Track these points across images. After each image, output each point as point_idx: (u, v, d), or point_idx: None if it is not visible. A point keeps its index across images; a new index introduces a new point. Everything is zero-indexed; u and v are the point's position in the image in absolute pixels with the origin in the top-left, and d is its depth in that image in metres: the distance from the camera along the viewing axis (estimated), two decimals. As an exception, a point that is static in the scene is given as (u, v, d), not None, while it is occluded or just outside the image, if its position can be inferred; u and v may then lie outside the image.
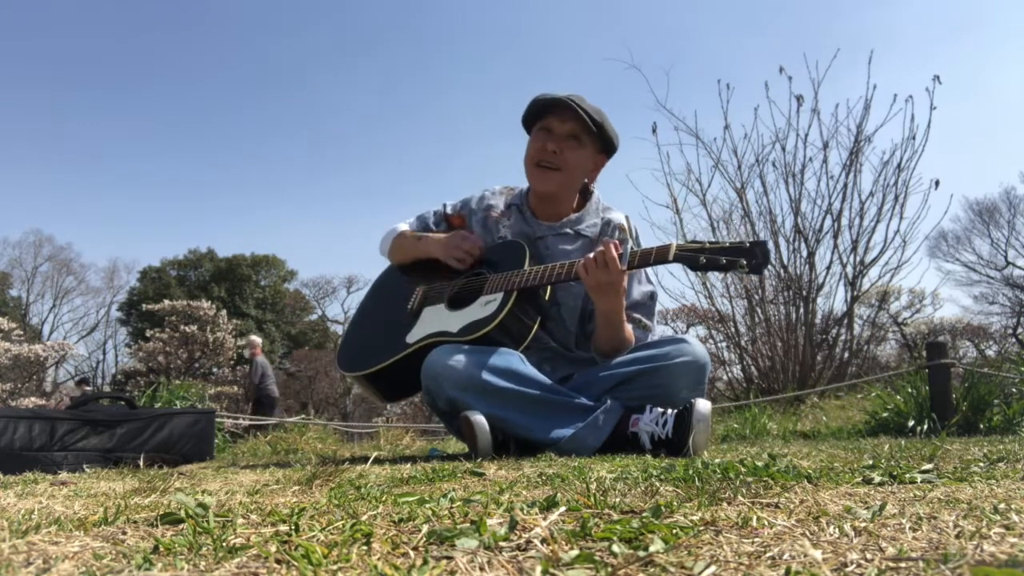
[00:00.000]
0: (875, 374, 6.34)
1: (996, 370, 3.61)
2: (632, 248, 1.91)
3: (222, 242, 48.72)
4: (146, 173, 45.25)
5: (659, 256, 1.84)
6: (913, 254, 10.94)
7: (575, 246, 2.17)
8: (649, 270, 2.23)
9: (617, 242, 1.90)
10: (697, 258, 1.77)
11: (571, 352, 2.18)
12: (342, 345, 2.39)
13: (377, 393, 2.24)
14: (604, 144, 2.19)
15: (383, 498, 0.91)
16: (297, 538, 0.63)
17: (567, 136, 2.11)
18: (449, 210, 2.36)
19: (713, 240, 1.83)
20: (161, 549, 0.61)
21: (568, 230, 2.20)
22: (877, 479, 1.00)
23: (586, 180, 2.26)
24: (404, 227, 2.38)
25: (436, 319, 2.09)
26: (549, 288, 2.07)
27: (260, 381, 9.75)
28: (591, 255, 1.89)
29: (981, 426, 3.15)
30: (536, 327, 2.01)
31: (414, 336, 2.09)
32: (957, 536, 0.61)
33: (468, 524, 0.67)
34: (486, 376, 1.86)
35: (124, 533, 0.69)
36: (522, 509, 0.75)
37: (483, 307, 2.01)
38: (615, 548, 0.57)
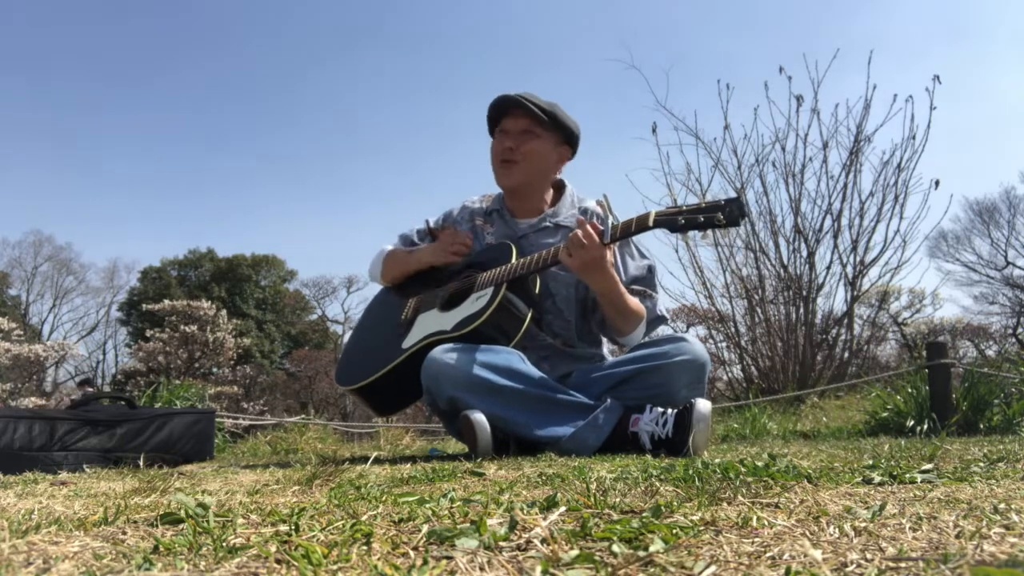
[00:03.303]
0: (875, 374, 6.34)
1: (996, 370, 3.61)
2: (613, 223, 1.93)
3: (222, 242, 48.69)
4: (146, 173, 45.27)
5: (640, 224, 1.87)
6: (913, 254, 10.94)
7: (556, 238, 2.20)
8: (642, 245, 2.26)
9: (592, 221, 1.93)
10: (676, 220, 1.82)
11: (572, 348, 2.18)
12: (340, 361, 2.42)
13: (375, 405, 2.26)
14: (564, 135, 2.25)
15: (383, 498, 0.91)
16: (297, 538, 0.63)
17: (521, 132, 2.20)
18: (432, 224, 2.40)
19: (689, 203, 1.87)
20: (161, 549, 0.61)
21: (547, 223, 2.25)
22: (877, 479, 1.00)
23: (558, 176, 2.31)
24: (390, 247, 2.42)
25: (431, 322, 2.11)
26: (539, 279, 2.09)
27: None
28: (571, 235, 1.92)
29: (981, 426, 3.15)
30: (528, 319, 2.02)
31: (410, 340, 2.10)
32: (957, 536, 0.61)
33: (468, 524, 0.67)
34: (486, 374, 1.86)
35: (124, 533, 0.69)
36: (522, 509, 0.75)
37: (474, 303, 2.03)
38: (615, 548, 0.57)
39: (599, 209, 2.26)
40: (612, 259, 2.00)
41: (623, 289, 2.03)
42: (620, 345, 2.23)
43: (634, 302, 2.07)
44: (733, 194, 6.89)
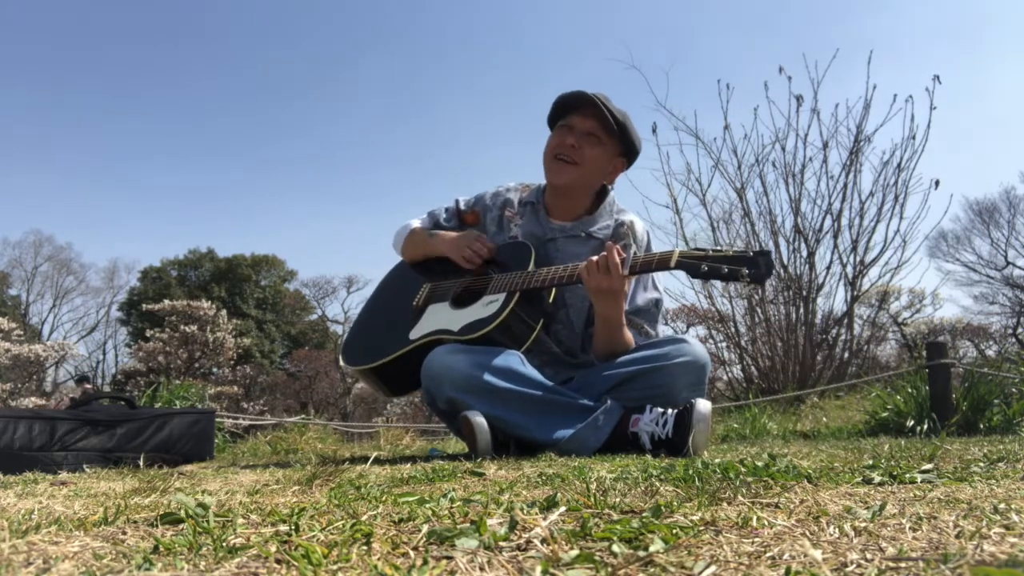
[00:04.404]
0: (875, 374, 6.33)
1: (996, 370, 3.61)
2: (635, 253, 1.91)
3: (222, 242, 48.74)
4: (146, 173, 45.28)
5: (661, 262, 1.84)
6: (913, 254, 10.94)
7: (586, 248, 2.15)
8: (657, 276, 2.22)
9: (621, 247, 1.90)
10: (699, 266, 1.77)
11: (575, 358, 2.17)
12: (347, 339, 2.40)
13: (381, 387, 2.25)
14: (625, 147, 2.19)
15: (383, 498, 0.91)
16: (297, 538, 0.63)
17: (587, 133, 2.13)
18: (462, 206, 2.35)
19: (716, 248, 1.80)
20: (161, 549, 0.61)
21: (580, 232, 2.19)
22: (877, 479, 1.00)
23: (605, 183, 2.25)
24: (416, 223, 2.38)
25: (439, 317, 2.10)
26: (554, 290, 2.07)
27: None
28: (594, 258, 1.89)
29: (981, 426, 3.15)
30: (538, 330, 2.01)
31: (417, 332, 2.09)
32: (957, 536, 0.61)
33: (468, 524, 0.67)
34: (486, 376, 1.86)
35: (124, 533, 0.69)
36: (522, 509, 0.75)
37: (485, 307, 2.01)
38: (615, 548, 0.57)
39: (632, 226, 2.22)
40: (627, 284, 1.96)
41: (623, 320, 2.01)
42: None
43: (627, 336, 2.04)
44: (734, 193, 6.90)
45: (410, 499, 0.86)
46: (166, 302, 15.46)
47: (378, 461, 1.85)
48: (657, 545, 0.58)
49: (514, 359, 1.92)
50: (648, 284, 2.19)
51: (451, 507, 0.79)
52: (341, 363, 2.38)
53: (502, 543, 0.60)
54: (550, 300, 2.06)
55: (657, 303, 2.19)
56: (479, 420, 1.81)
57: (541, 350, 2.11)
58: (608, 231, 2.20)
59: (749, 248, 1.91)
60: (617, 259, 1.86)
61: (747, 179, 6.93)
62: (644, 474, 1.11)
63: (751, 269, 1.71)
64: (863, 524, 0.66)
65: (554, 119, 2.21)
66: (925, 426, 3.15)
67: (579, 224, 2.21)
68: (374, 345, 2.19)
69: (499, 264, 2.13)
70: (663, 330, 2.24)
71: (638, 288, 2.15)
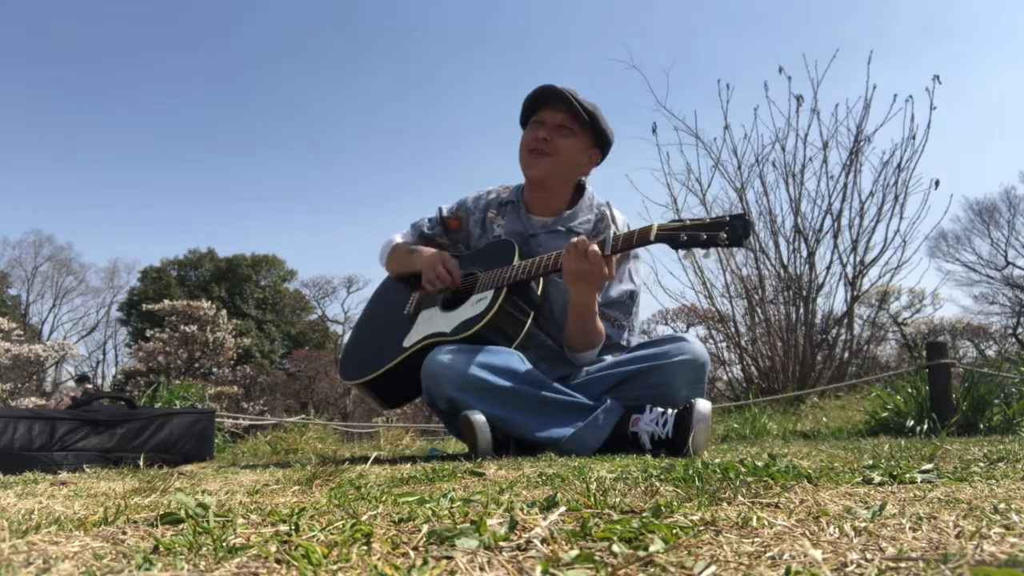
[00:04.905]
0: (875, 374, 6.33)
1: (996, 370, 3.61)
2: (615, 232, 1.92)
3: (222, 242, 48.68)
4: (146, 173, 45.24)
5: (641, 237, 1.85)
6: (913, 254, 10.95)
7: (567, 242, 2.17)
8: (635, 269, 2.23)
9: (599, 243, 1.90)
10: (678, 236, 1.78)
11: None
12: (343, 355, 2.42)
13: (378, 400, 2.26)
14: (597, 137, 2.20)
15: (383, 498, 0.91)
16: (297, 538, 0.63)
17: (558, 126, 2.15)
18: (445, 212, 2.36)
19: (694, 217, 1.82)
20: (161, 549, 0.61)
21: (560, 227, 2.21)
22: (877, 479, 1.00)
23: (581, 177, 2.27)
24: (399, 238, 2.40)
25: (431, 321, 2.11)
26: (541, 283, 2.08)
27: None
28: (573, 240, 1.90)
29: (981, 426, 3.15)
30: (529, 323, 2.02)
31: (410, 339, 2.10)
32: (957, 536, 0.61)
33: (468, 524, 0.67)
34: (485, 375, 1.86)
35: (124, 533, 0.69)
36: (522, 509, 0.75)
37: (474, 305, 2.02)
38: (615, 548, 0.57)
39: (606, 211, 2.23)
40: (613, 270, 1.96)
41: (596, 310, 2.01)
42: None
43: (600, 326, 2.04)
44: (734, 193, 6.90)
45: (410, 499, 0.86)
46: (166, 302, 15.45)
47: (378, 461, 1.85)
48: (657, 545, 0.58)
49: (513, 358, 1.93)
50: (624, 276, 2.19)
51: (451, 507, 0.80)
52: (340, 379, 2.37)
53: (502, 543, 0.60)
54: (538, 292, 2.07)
55: (632, 295, 2.19)
56: (479, 419, 1.81)
57: (536, 345, 2.12)
58: (589, 225, 2.21)
59: (725, 213, 1.91)
60: (595, 247, 1.86)
61: (747, 179, 6.94)
62: (644, 474, 1.11)
63: (727, 231, 1.73)
64: (863, 524, 0.66)
65: (525, 118, 2.23)
66: (925, 426, 3.15)
67: (560, 219, 2.22)
68: (370, 358, 2.20)
69: (484, 263, 2.14)
70: (662, 329, 2.24)
71: (612, 281, 2.16)
